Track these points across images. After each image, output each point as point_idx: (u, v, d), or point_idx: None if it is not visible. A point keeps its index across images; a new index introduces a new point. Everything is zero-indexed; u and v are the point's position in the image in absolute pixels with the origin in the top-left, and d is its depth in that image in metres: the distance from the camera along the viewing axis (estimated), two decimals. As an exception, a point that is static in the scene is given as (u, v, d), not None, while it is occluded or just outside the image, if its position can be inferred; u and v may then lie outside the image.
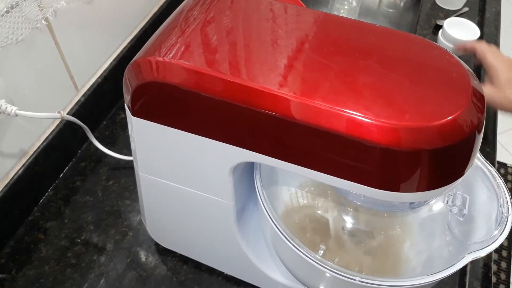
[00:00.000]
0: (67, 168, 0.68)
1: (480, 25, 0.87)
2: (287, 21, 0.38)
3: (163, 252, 0.59)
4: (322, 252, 0.45)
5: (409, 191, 0.33)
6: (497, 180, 0.42)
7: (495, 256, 1.25)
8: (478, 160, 0.43)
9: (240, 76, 0.33)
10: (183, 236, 0.54)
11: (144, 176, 0.47)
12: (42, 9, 0.55)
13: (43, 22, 0.56)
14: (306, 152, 0.34)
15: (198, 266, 0.58)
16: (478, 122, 0.32)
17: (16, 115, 0.53)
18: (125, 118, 0.74)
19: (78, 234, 0.61)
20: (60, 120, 0.64)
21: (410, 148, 0.30)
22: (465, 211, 0.41)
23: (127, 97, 0.39)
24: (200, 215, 0.48)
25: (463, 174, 0.33)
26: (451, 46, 0.81)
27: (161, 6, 0.84)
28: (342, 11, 1.01)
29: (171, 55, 0.35)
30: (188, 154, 0.41)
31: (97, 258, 0.58)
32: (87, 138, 0.66)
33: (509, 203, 0.40)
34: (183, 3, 0.42)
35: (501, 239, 0.38)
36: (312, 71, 0.33)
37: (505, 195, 0.41)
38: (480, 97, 0.33)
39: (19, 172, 0.59)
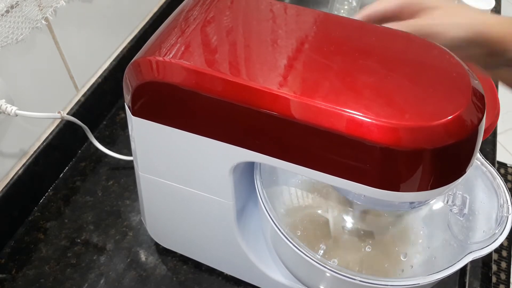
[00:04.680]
0: (67, 168, 0.68)
1: (480, 25, 0.87)
2: (287, 21, 0.38)
3: (163, 252, 0.59)
4: (322, 252, 0.45)
5: (409, 191, 0.33)
6: (497, 180, 0.42)
7: (495, 256, 1.25)
8: (478, 160, 0.43)
9: (240, 76, 0.33)
10: (183, 236, 0.54)
11: (144, 176, 0.47)
12: (42, 9, 0.55)
13: (43, 21, 0.56)
14: (306, 151, 0.34)
15: (198, 266, 0.58)
16: (478, 121, 0.32)
17: (16, 115, 0.52)
18: (125, 118, 0.74)
19: (78, 234, 0.61)
20: (60, 120, 0.64)
21: (410, 148, 0.30)
22: (465, 211, 0.41)
23: (127, 97, 0.39)
24: (200, 215, 0.48)
25: (464, 174, 0.33)
26: None
27: (161, 6, 0.84)
28: (342, 11, 1.01)
29: (171, 55, 0.35)
30: (188, 154, 0.41)
31: (97, 258, 0.58)
32: (87, 138, 0.66)
33: (509, 203, 0.40)
34: (183, 3, 0.42)
35: (501, 239, 0.38)
36: (312, 70, 0.33)
37: (505, 195, 0.41)
38: (480, 96, 0.33)
39: (19, 172, 0.59)
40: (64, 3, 0.58)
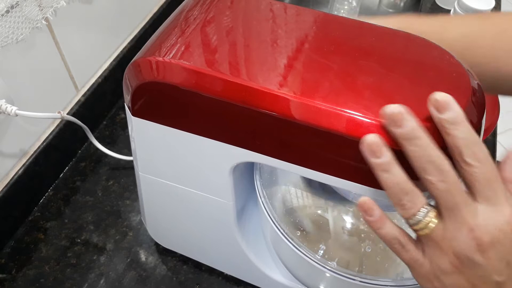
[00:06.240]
0: (67, 168, 0.68)
1: (480, 25, 0.87)
2: (287, 21, 0.38)
3: (163, 252, 0.59)
4: (322, 252, 0.45)
5: (409, 191, 0.32)
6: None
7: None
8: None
9: (240, 76, 0.33)
10: (183, 236, 0.54)
11: (144, 176, 0.47)
12: (42, 9, 0.55)
13: (43, 22, 0.56)
14: (306, 152, 0.34)
15: (198, 266, 0.58)
16: (478, 121, 0.32)
17: (16, 115, 0.53)
18: (125, 118, 0.74)
19: (78, 234, 0.61)
20: (60, 120, 0.64)
21: (410, 148, 0.30)
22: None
23: (127, 97, 0.39)
24: (200, 215, 0.48)
25: (463, 174, 0.33)
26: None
27: (161, 6, 0.84)
28: (342, 11, 1.01)
29: (171, 55, 0.35)
30: (188, 154, 0.41)
31: (97, 258, 0.58)
32: (87, 138, 0.66)
33: (509, 203, 0.40)
34: (183, 3, 0.42)
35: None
36: (312, 71, 0.33)
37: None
38: (480, 96, 0.33)
39: (19, 172, 0.59)
40: (64, 3, 0.58)
